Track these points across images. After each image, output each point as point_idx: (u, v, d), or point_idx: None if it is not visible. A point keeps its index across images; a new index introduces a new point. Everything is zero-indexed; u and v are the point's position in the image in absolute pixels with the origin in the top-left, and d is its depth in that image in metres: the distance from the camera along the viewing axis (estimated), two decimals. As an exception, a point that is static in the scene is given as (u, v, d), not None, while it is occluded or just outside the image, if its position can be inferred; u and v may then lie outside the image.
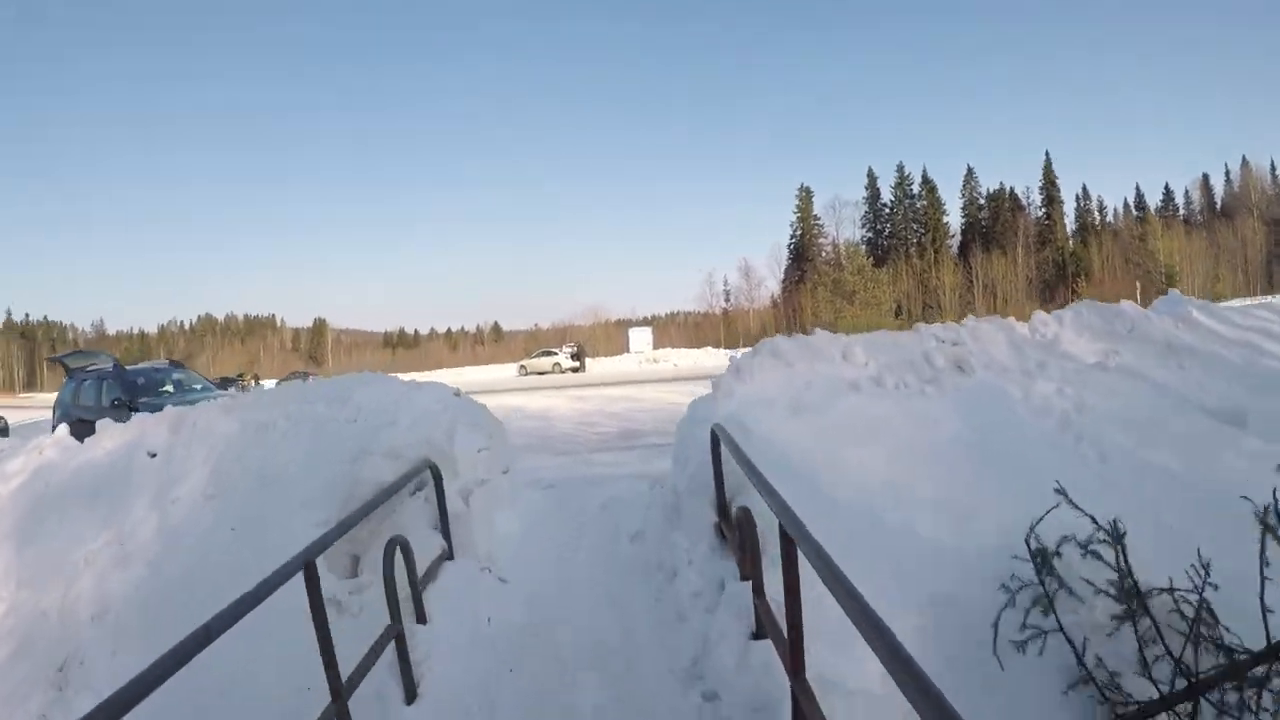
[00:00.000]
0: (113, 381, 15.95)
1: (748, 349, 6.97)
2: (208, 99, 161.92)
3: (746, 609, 3.94)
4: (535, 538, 6.27)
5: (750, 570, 3.87)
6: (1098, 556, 3.85)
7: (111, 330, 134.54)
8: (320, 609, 3.32)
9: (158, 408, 14.37)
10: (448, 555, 5.33)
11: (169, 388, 16.67)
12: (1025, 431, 5.50)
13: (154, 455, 7.22)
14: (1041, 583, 3.91)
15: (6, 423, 20.19)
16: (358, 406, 6.72)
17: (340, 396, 6.95)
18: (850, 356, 6.31)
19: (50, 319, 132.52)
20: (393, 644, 4.08)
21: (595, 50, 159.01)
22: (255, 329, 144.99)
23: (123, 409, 14.64)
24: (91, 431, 15.07)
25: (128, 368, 17.15)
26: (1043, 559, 3.92)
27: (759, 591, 3.75)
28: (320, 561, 4.60)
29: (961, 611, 4.06)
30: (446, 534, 5.39)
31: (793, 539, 2.77)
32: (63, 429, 9.14)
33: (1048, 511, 3.92)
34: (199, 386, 17.21)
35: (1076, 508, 3.86)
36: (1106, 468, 5.15)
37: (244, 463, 6.53)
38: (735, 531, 4.41)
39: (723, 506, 4.99)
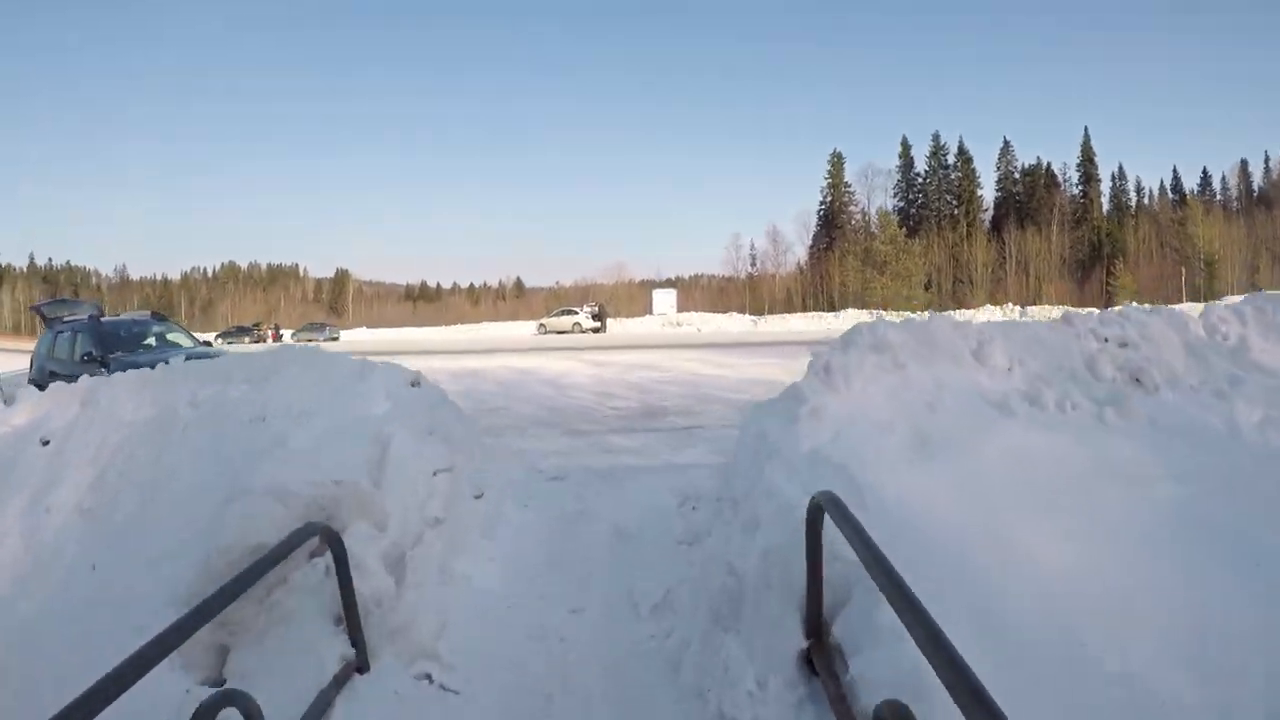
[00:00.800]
0: (86, 334, 14.48)
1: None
2: (242, 54, 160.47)
3: None
4: (516, 596, 4.39)
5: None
6: None
7: (135, 276, 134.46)
8: None
9: (134, 365, 13.18)
10: (358, 665, 3.34)
11: (150, 341, 15.28)
12: (1250, 492, 3.56)
13: (47, 443, 5.57)
14: None
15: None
16: (266, 401, 4.80)
17: (265, 377, 5.05)
18: (985, 356, 4.30)
19: (73, 263, 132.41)
20: None
21: (624, 8, 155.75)
22: (278, 278, 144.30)
23: (94, 364, 13.45)
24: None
25: (104, 319, 15.70)
26: None
27: None
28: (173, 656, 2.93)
29: None
30: (356, 633, 3.36)
31: None
32: (-12, 395, 7.80)
33: None
34: (182, 342, 15.73)
35: None
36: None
37: (131, 466, 4.72)
38: (840, 682, 2.63)
39: (817, 622, 2.96)
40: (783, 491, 3.33)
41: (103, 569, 4.16)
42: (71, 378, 14.34)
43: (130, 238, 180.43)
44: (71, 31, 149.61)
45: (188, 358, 13.81)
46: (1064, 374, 4.25)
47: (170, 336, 15.89)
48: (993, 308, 58.74)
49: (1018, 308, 58.50)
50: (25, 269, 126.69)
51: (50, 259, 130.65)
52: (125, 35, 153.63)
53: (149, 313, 17.37)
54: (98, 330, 14.64)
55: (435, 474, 4.33)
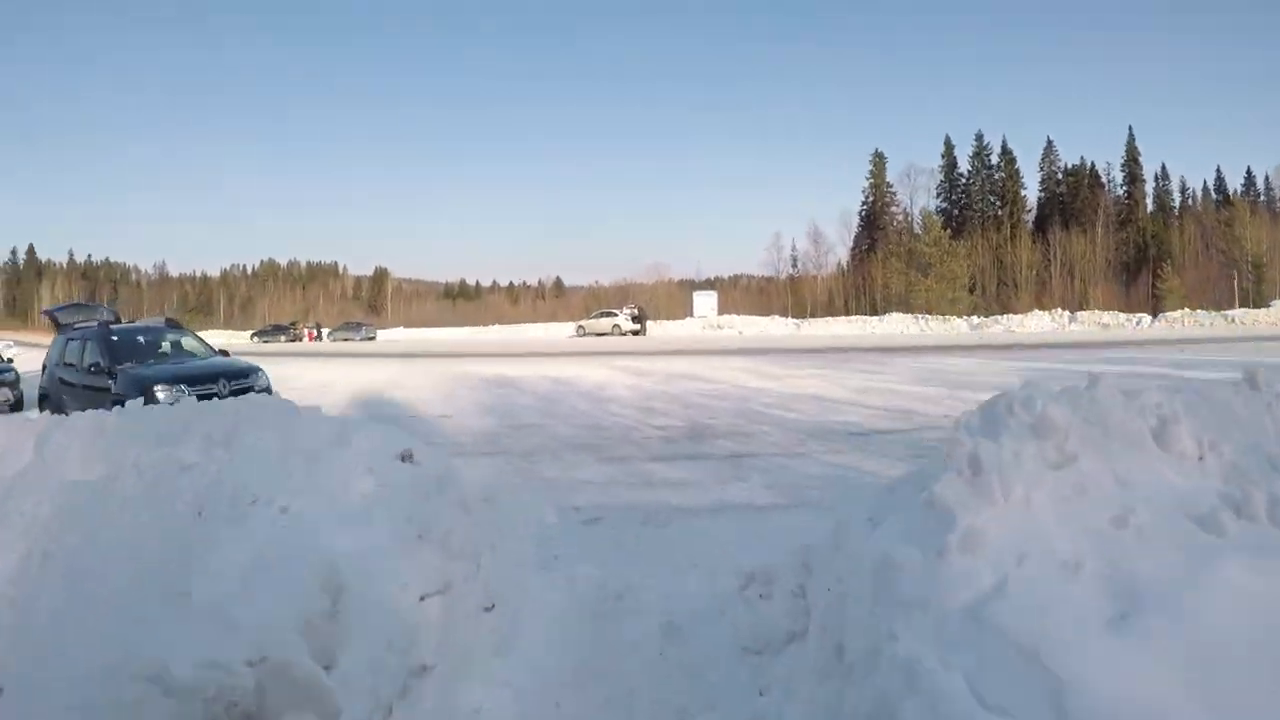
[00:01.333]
0: (95, 343, 13.96)
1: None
2: (282, 54, 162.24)
3: None
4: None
5: None
6: None
7: (174, 273, 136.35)
8: None
9: (140, 377, 12.65)
10: None
11: (164, 349, 14.85)
12: None
13: (-14, 499, 4.65)
14: None
15: (22, 394, 18.48)
16: (215, 477, 3.69)
17: (225, 438, 3.97)
18: (1170, 440, 2.95)
19: (113, 260, 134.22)
20: None
21: (667, 6, 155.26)
22: (317, 275, 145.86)
23: (101, 374, 13.24)
24: (71, 395, 13.43)
25: (116, 326, 15.15)
26: None
27: None
28: None
29: None
30: None
31: None
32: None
33: None
34: (197, 351, 15.17)
35: None
36: None
37: (61, 548, 3.72)
38: None
39: None
40: (933, 677, 2.04)
41: (10, 697, 3.22)
42: (80, 387, 13.98)
43: (170, 235, 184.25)
44: (117, 32, 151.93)
45: (200, 371, 13.40)
46: (1262, 460, 3.07)
47: (185, 344, 15.45)
48: (1041, 313, 57.37)
49: (1066, 313, 57.10)
50: (65, 265, 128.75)
51: (90, 255, 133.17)
52: (167, 36, 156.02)
53: (164, 320, 16.94)
54: (107, 339, 14.12)
55: (423, 599, 3.23)
